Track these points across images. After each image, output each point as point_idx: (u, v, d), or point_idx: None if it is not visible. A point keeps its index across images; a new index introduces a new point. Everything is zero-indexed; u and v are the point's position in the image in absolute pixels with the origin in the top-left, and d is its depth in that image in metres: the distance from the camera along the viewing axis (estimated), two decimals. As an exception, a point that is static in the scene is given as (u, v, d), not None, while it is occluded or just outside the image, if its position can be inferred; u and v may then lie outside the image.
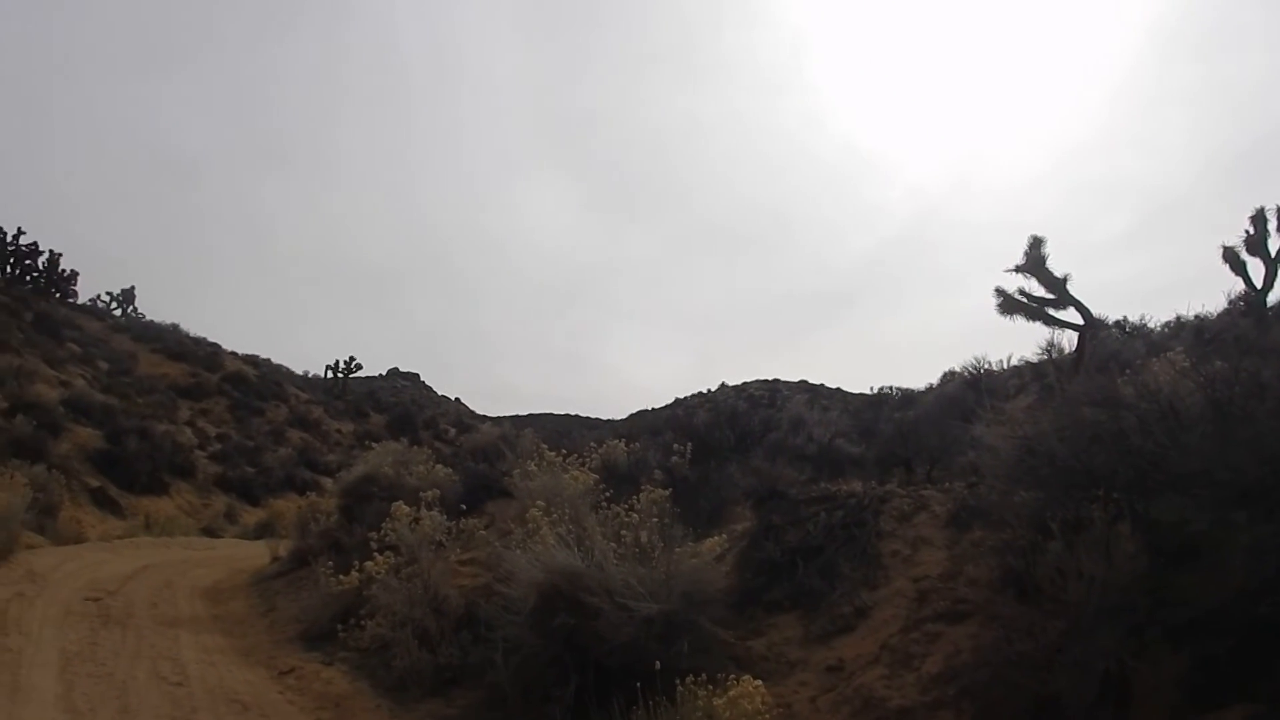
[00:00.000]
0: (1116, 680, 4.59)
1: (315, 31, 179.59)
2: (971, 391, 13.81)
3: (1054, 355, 12.74)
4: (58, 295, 46.96)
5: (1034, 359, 14.07)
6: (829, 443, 11.88)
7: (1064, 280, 11.36)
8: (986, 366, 15.97)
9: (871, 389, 24.67)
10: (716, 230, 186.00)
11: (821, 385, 50.54)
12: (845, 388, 45.59)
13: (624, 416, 49.91)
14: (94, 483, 21.35)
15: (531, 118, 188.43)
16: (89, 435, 23.43)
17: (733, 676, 5.28)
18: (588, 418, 62.66)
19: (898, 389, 21.52)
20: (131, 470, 22.89)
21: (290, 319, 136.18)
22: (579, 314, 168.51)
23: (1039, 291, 11.55)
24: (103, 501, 20.93)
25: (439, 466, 13.92)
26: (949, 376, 18.85)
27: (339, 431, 44.26)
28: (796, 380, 54.18)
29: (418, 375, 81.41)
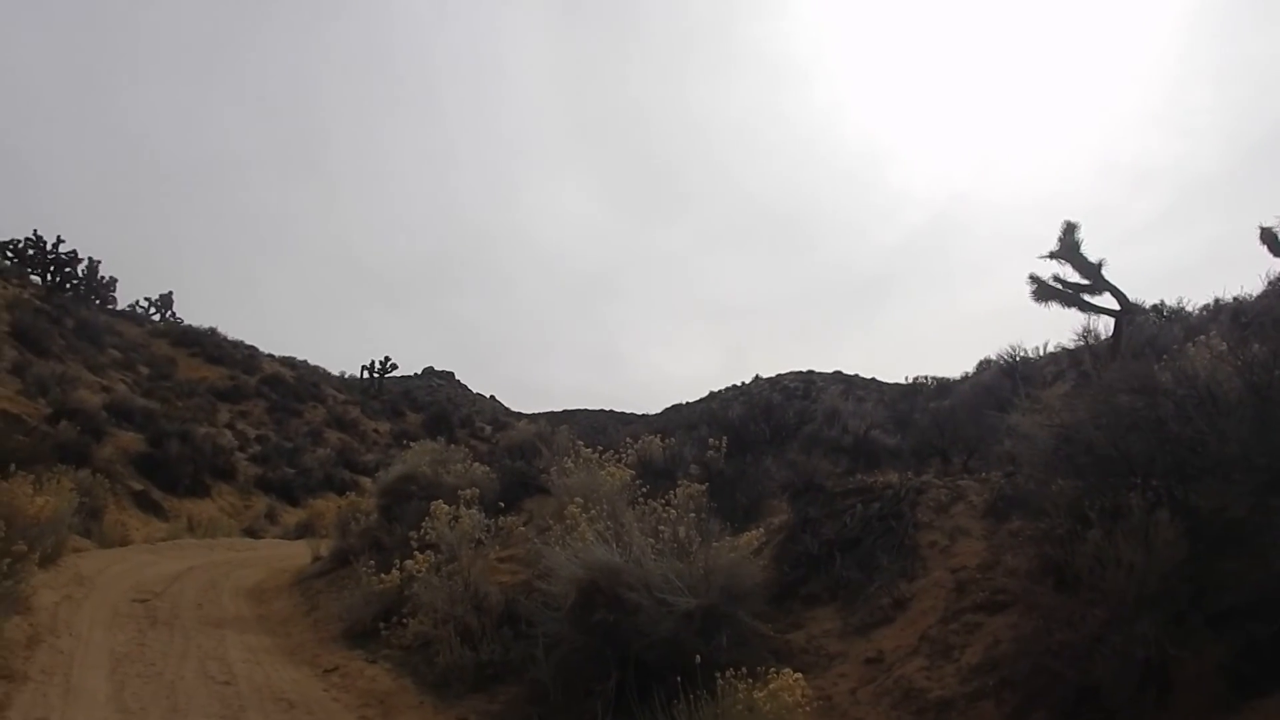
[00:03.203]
0: (1158, 669, 4.57)
1: (348, 33, 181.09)
2: (1007, 380, 13.70)
3: (1090, 341, 12.58)
4: (97, 301, 47.77)
5: (1070, 345, 13.90)
6: (864, 434, 11.84)
7: (1099, 265, 11.21)
8: (1022, 354, 15.83)
9: (906, 379, 24.48)
10: (746, 223, 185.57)
11: (856, 376, 50.26)
12: (880, 378, 45.33)
13: (658, 411, 50.06)
14: (137, 486, 21.72)
15: (561, 116, 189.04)
16: (131, 439, 23.81)
17: (772, 669, 5.30)
18: (623, 413, 62.71)
19: (933, 378, 21.33)
20: (174, 473, 23.25)
21: (325, 321, 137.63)
22: (611, 309, 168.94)
23: (1074, 277, 11.40)
24: (146, 504, 21.29)
25: (476, 464, 14.03)
26: (984, 365, 18.72)
27: (376, 431, 44.67)
28: (831, 371, 53.95)
29: (452, 374, 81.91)
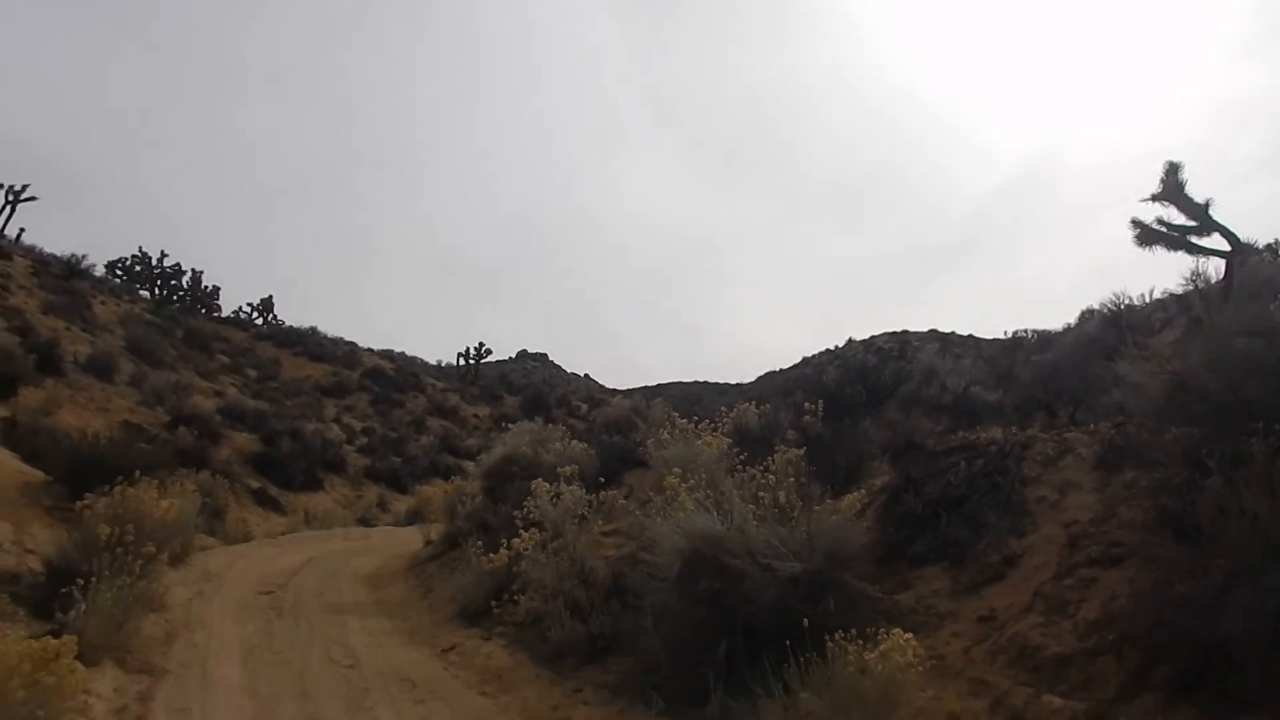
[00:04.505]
0: (1290, 619, 4.39)
1: (433, 36, 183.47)
2: (1112, 329, 13.22)
3: (1200, 285, 12.04)
4: (203, 310, 49.74)
5: (1178, 291, 13.32)
6: (964, 391, 11.57)
7: (1206, 205, 10.69)
8: (1127, 302, 15.23)
9: (1005, 333, 23.83)
10: (827, 187, 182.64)
11: (952, 334, 49.06)
12: (977, 334, 44.21)
13: (752, 380, 49.73)
14: (254, 484, 22.60)
15: (627, 93, 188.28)
16: (246, 440, 24.77)
17: (882, 631, 5.25)
18: (716, 384, 62.57)
19: (1033, 331, 20.71)
20: (287, 469, 24.13)
21: (419, 312, 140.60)
22: (696, 284, 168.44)
23: (1179, 219, 10.92)
24: (264, 500, 22.15)
25: (574, 442, 14.21)
26: (1087, 315, 18.07)
27: (476, 416, 45.59)
28: (926, 330, 52.82)
29: (546, 355, 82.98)
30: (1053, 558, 6.35)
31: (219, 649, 8.71)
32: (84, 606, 7.21)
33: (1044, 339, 18.66)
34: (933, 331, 51.47)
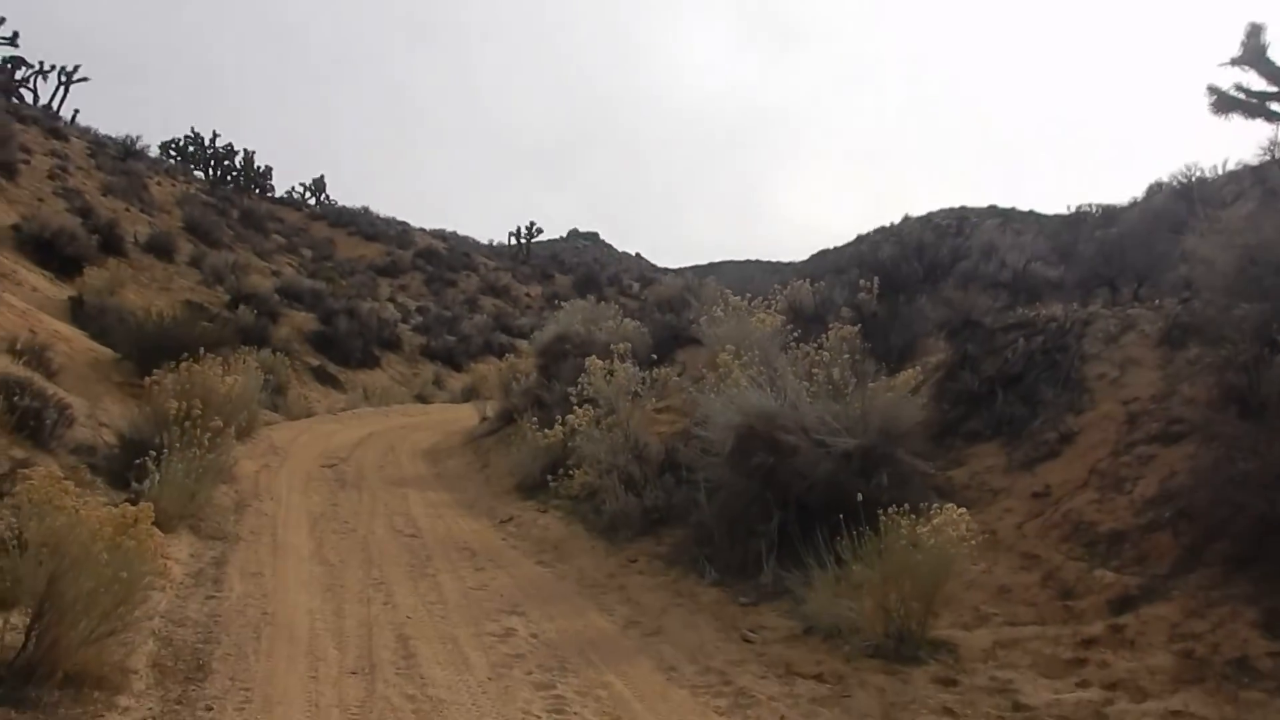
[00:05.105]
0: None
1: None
2: (1182, 202, 12.71)
3: (1278, 156, 11.49)
4: (257, 191, 49.93)
5: (1253, 162, 12.72)
6: (1024, 268, 11.28)
7: (1289, 69, 10.12)
8: (1198, 174, 14.60)
9: (1068, 209, 23.06)
10: (883, 58, 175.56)
11: (1012, 209, 47.75)
12: (1039, 210, 42.95)
13: (806, 259, 49.16)
14: (314, 361, 23.09)
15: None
16: (304, 318, 25.19)
17: (935, 506, 5.28)
18: (769, 262, 62.05)
19: (1098, 206, 19.98)
20: (345, 347, 24.57)
21: (470, 192, 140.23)
22: (749, 159, 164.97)
23: (1259, 85, 10.35)
24: (324, 378, 22.66)
25: (627, 320, 14.23)
26: (1155, 189, 17.38)
27: (528, 295, 45.80)
28: (985, 206, 51.45)
29: (597, 234, 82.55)
30: (1111, 435, 6.30)
31: (287, 518, 9.06)
32: (157, 477, 7.53)
33: (1108, 214, 18.02)
34: (992, 208, 50.14)
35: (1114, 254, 10.88)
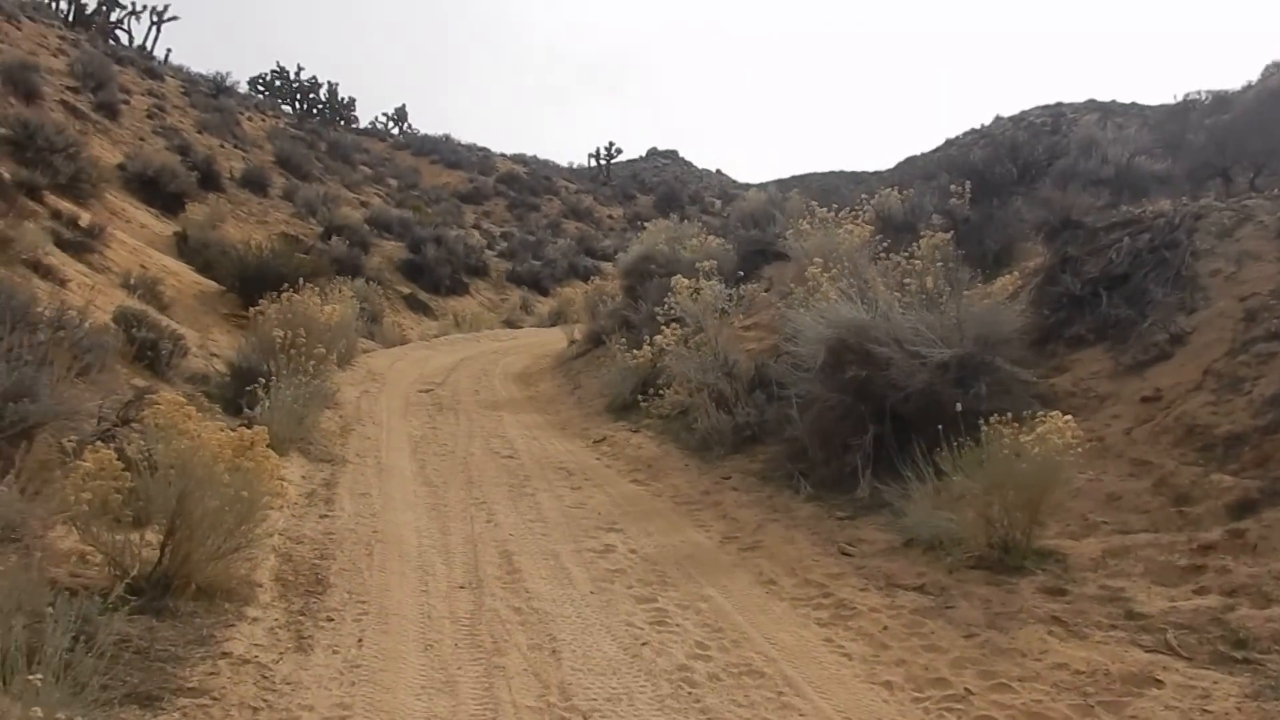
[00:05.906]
0: None
1: None
2: (1304, 83, 11.90)
3: None
4: (342, 123, 50.51)
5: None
6: (1127, 162, 10.69)
7: None
8: (1323, 53, 13.60)
9: (1174, 97, 21.79)
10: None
11: (1113, 102, 45.33)
12: (1140, 101, 40.72)
13: (892, 166, 47.70)
14: (405, 289, 23.53)
15: None
16: (394, 248, 25.61)
17: (1038, 414, 5.13)
18: (854, 172, 60.34)
19: (1207, 93, 18.82)
20: (434, 275, 24.94)
21: (547, 116, 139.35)
22: (827, 66, 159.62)
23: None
24: (416, 305, 23.11)
25: (711, 238, 14.08)
26: (1272, 69, 16.30)
27: (610, 217, 45.71)
28: (1083, 100, 48.96)
29: (676, 152, 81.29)
30: (1226, 333, 6.01)
31: (389, 441, 9.35)
32: (267, 403, 7.86)
33: (1220, 100, 16.97)
34: (1090, 101, 47.66)
35: (1227, 142, 10.26)
